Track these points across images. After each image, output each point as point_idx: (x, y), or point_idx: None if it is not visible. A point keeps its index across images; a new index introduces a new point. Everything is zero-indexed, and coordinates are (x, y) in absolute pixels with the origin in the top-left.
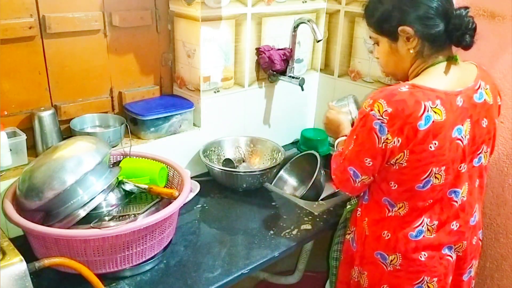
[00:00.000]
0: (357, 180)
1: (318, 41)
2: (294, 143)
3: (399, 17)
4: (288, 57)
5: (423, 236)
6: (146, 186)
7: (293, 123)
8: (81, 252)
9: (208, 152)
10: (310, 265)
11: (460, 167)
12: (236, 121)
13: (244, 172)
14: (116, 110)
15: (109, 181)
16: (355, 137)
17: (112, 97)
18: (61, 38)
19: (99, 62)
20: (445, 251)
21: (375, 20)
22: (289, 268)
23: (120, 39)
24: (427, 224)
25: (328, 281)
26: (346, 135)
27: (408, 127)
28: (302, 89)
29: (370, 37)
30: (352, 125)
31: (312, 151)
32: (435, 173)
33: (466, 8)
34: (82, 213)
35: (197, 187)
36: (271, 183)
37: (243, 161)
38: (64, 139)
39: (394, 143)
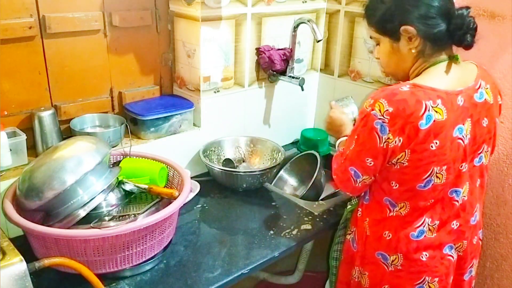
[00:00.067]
0: (358, 180)
1: (318, 41)
2: (294, 143)
3: (401, 16)
4: (288, 57)
5: (424, 236)
6: (146, 186)
7: (293, 123)
8: (81, 252)
9: (208, 152)
10: (310, 265)
11: (461, 167)
12: (236, 121)
13: (244, 172)
14: (116, 110)
15: (109, 181)
16: (356, 137)
17: (112, 97)
18: (61, 38)
19: (99, 62)
20: (446, 250)
21: (376, 20)
22: (289, 268)
23: (120, 39)
24: (428, 224)
25: (328, 281)
26: (347, 135)
27: (409, 127)
28: (302, 89)
29: (370, 37)
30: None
31: (312, 151)
32: (436, 173)
33: (468, 8)
34: (82, 213)
35: (197, 187)
36: (271, 183)
37: (243, 161)
38: (64, 139)
39: (395, 142)
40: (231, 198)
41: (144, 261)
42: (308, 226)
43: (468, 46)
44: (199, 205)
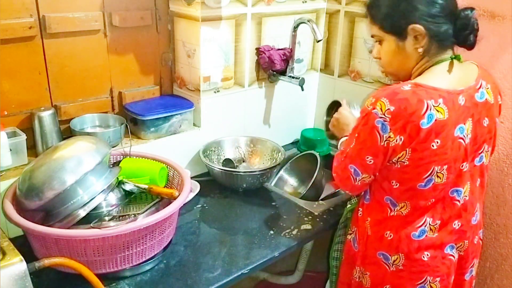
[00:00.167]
0: (357, 178)
1: (318, 41)
2: (294, 143)
3: (409, 14)
4: (288, 57)
5: (426, 235)
6: (146, 186)
7: (293, 123)
8: (81, 252)
9: (208, 152)
10: (310, 265)
11: (462, 166)
12: (236, 121)
13: (244, 172)
14: (116, 110)
15: (109, 181)
16: (356, 135)
17: (112, 97)
18: (61, 38)
19: (99, 62)
20: (447, 250)
21: (382, 17)
22: (289, 268)
23: (120, 39)
24: (429, 224)
25: (328, 281)
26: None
27: (410, 126)
28: (302, 89)
29: (372, 36)
30: None
31: (312, 151)
32: (437, 172)
33: (472, 9)
34: (82, 213)
35: (197, 187)
36: (271, 183)
37: (243, 161)
38: (64, 139)
39: (396, 141)
40: (231, 198)
41: (144, 261)
42: (308, 226)
43: (470, 46)
44: (199, 205)
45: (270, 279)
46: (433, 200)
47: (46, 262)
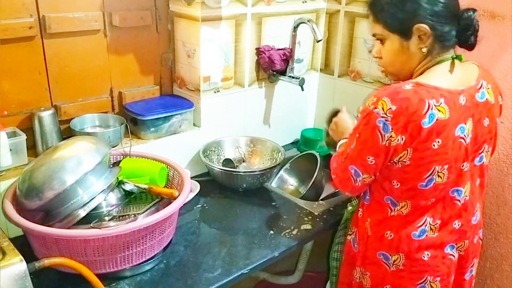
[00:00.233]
0: (358, 179)
1: (318, 41)
2: (294, 143)
3: (415, 14)
4: (288, 57)
5: (426, 235)
6: (146, 186)
7: (293, 123)
8: (81, 252)
9: (208, 152)
10: (310, 265)
11: (462, 166)
12: (236, 121)
13: (244, 172)
14: (116, 110)
15: (109, 181)
16: (357, 135)
17: (112, 97)
18: (61, 38)
19: (99, 62)
20: (448, 250)
21: (387, 16)
22: (289, 268)
23: (120, 39)
24: (430, 224)
25: (328, 282)
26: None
27: (412, 125)
28: (302, 89)
29: (374, 35)
30: None
31: (312, 151)
32: (438, 172)
33: (474, 10)
34: (82, 213)
35: (197, 187)
36: (271, 183)
37: (243, 161)
38: (64, 139)
39: (397, 141)
40: (231, 198)
41: (144, 261)
42: (308, 226)
43: (471, 47)
44: (199, 205)
45: (270, 279)
46: (434, 199)
47: (46, 262)
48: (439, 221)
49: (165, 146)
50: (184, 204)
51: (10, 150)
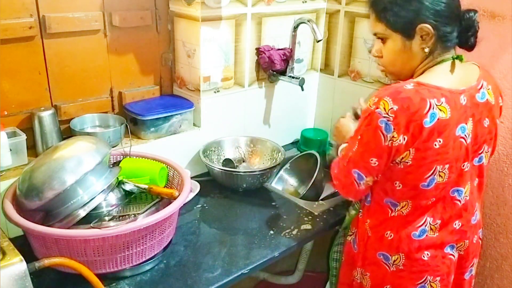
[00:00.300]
0: (361, 182)
1: (318, 41)
2: (294, 143)
3: (418, 13)
4: (288, 57)
5: (426, 235)
6: (146, 186)
7: (293, 123)
8: (81, 252)
9: (208, 152)
10: (310, 265)
11: (463, 166)
12: (236, 121)
13: (244, 172)
14: (116, 110)
15: (109, 181)
16: (359, 137)
17: (112, 97)
18: (61, 38)
19: (99, 62)
20: (448, 250)
21: (390, 15)
22: (289, 268)
23: (120, 39)
24: (430, 223)
25: (328, 282)
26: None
27: (413, 125)
28: (302, 89)
29: (375, 34)
30: None
31: (312, 151)
32: (439, 171)
33: (476, 11)
34: (82, 213)
35: (197, 187)
36: (271, 183)
37: (243, 161)
38: (64, 139)
39: (400, 141)
40: (231, 198)
41: (144, 261)
42: (308, 226)
43: (471, 48)
44: (199, 205)
45: (270, 279)
46: (434, 199)
47: (46, 262)
48: (439, 221)
49: (165, 146)
50: (184, 204)
51: (10, 150)
